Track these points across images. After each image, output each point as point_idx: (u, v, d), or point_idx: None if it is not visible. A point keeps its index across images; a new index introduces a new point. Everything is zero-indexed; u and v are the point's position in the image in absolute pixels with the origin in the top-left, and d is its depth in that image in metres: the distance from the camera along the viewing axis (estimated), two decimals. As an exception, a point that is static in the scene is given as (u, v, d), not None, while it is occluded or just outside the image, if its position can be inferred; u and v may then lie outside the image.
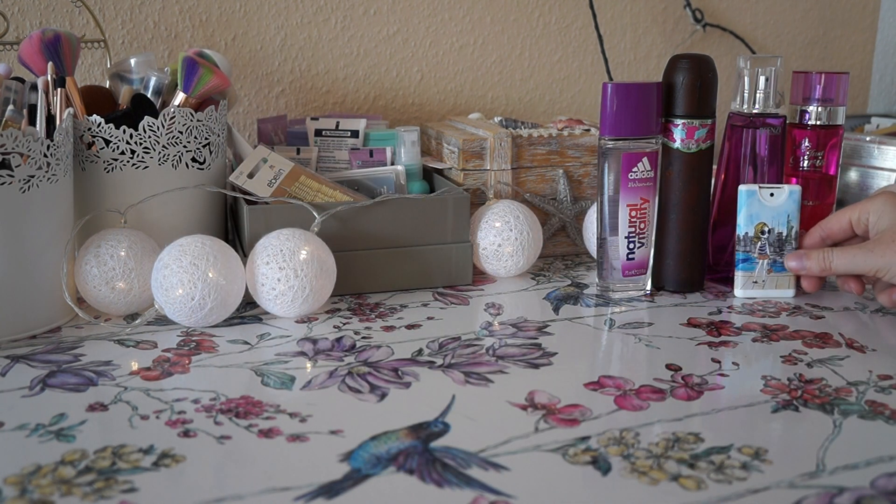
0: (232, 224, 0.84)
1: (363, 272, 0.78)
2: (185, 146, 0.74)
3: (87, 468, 0.46)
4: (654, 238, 0.78)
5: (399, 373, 0.60)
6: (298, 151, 0.90)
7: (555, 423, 0.52)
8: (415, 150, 0.87)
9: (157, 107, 0.77)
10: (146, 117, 0.72)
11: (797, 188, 0.76)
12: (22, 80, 0.72)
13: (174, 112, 0.73)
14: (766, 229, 0.76)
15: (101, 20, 0.96)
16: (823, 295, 0.79)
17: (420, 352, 0.64)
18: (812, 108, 0.80)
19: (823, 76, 0.80)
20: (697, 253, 0.79)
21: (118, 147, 0.72)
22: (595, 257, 0.81)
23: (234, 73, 1.03)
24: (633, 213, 0.76)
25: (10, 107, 0.69)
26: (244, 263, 0.70)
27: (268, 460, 0.47)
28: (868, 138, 1.03)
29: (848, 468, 0.47)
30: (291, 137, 0.93)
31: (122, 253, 0.69)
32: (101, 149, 0.72)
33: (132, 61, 0.81)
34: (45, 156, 0.65)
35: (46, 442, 0.49)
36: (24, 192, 0.64)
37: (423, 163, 0.90)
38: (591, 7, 1.17)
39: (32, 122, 0.70)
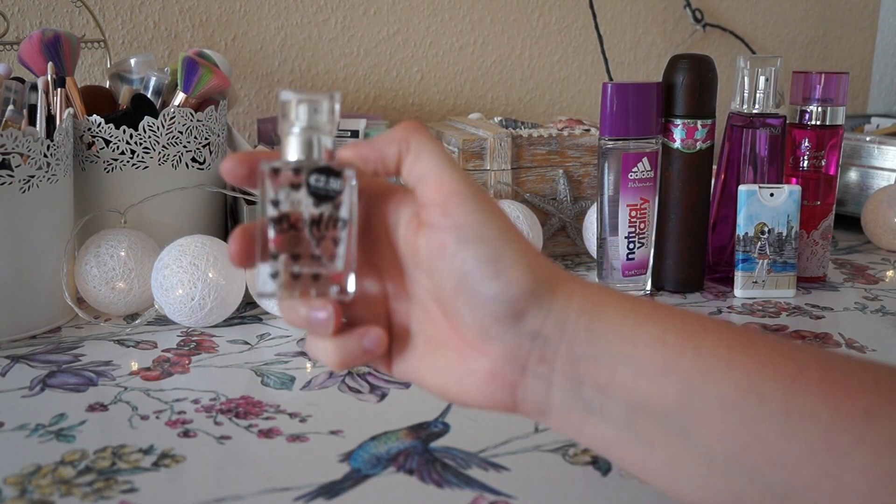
0: (232, 224, 0.84)
1: (363, 272, 0.77)
2: (185, 146, 0.74)
3: (87, 468, 0.46)
4: (654, 238, 0.78)
5: (399, 373, 0.60)
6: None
7: (555, 423, 0.52)
8: (415, 150, 0.87)
9: (157, 107, 0.77)
10: (146, 117, 0.72)
11: (797, 188, 0.76)
12: (22, 80, 0.72)
13: (174, 112, 0.73)
14: (766, 229, 0.76)
15: (101, 20, 0.96)
16: (823, 295, 0.79)
17: (420, 352, 0.64)
18: (812, 108, 0.80)
19: (823, 76, 0.80)
20: (697, 253, 0.79)
21: (118, 147, 0.72)
22: (595, 257, 0.81)
23: (234, 73, 1.03)
24: (633, 214, 0.76)
25: (10, 107, 0.69)
26: (244, 263, 0.70)
27: (268, 460, 0.47)
28: (868, 138, 1.03)
29: (848, 468, 0.47)
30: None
31: (122, 253, 0.69)
32: (101, 149, 0.72)
33: (132, 61, 0.81)
34: (45, 156, 0.65)
35: (46, 442, 0.49)
36: (24, 192, 0.64)
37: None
38: (591, 7, 1.17)
39: (32, 122, 0.70)
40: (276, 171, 0.34)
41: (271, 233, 0.34)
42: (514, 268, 0.34)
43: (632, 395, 0.33)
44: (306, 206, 0.34)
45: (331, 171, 0.34)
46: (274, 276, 0.35)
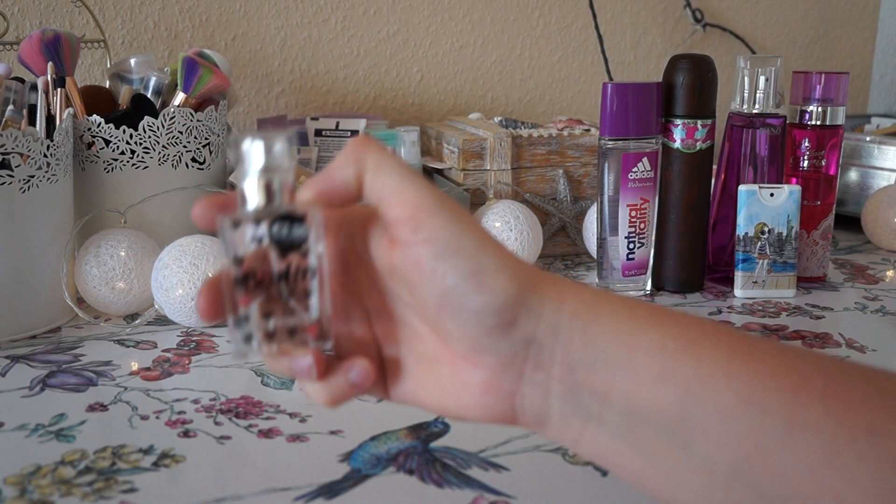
0: (232, 224, 0.84)
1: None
2: (185, 146, 0.74)
3: (87, 468, 0.46)
4: (654, 238, 0.78)
5: (399, 373, 0.60)
6: (298, 151, 0.90)
7: (555, 423, 0.52)
8: (415, 150, 0.87)
9: (157, 107, 0.77)
10: (146, 117, 0.72)
11: (797, 188, 0.76)
12: (22, 80, 0.72)
13: (174, 112, 0.73)
14: (766, 229, 0.76)
15: (101, 20, 0.96)
16: (823, 295, 0.79)
17: (420, 352, 0.64)
18: (812, 108, 0.80)
19: (823, 76, 0.80)
20: (697, 253, 0.79)
21: (118, 147, 0.72)
22: (595, 257, 0.81)
23: (234, 73, 1.03)
24: (633, 213, 0.76)
25: (10, 107, 0.69)
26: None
27: (268, 460, 0.47)
28: (868, 138, 1.03)
29: (848, 468, 0.47)
30: (291, 137, 0.93)
31: (122, 253, 0.69)
32: (101, 149, 0.72)
33: (132, 61, 0.81)
34: (45, 156, 0.65)
35: (46, 442, 0.49)
36: (24, 192, 0.64)
37: (423, 163, 0.90)
38: (591, 7, 1.17)
39: (32, 122, 0.70)
40: (235, 225, 0.32)
41: (239, 292, 0.32)
42: (497, 277, 0.32)
43: (630, 403, 0.32)
44: (272, 258, 0.32)
45: (293, 217, 0.32)
46: (248, 339, 0.33)
